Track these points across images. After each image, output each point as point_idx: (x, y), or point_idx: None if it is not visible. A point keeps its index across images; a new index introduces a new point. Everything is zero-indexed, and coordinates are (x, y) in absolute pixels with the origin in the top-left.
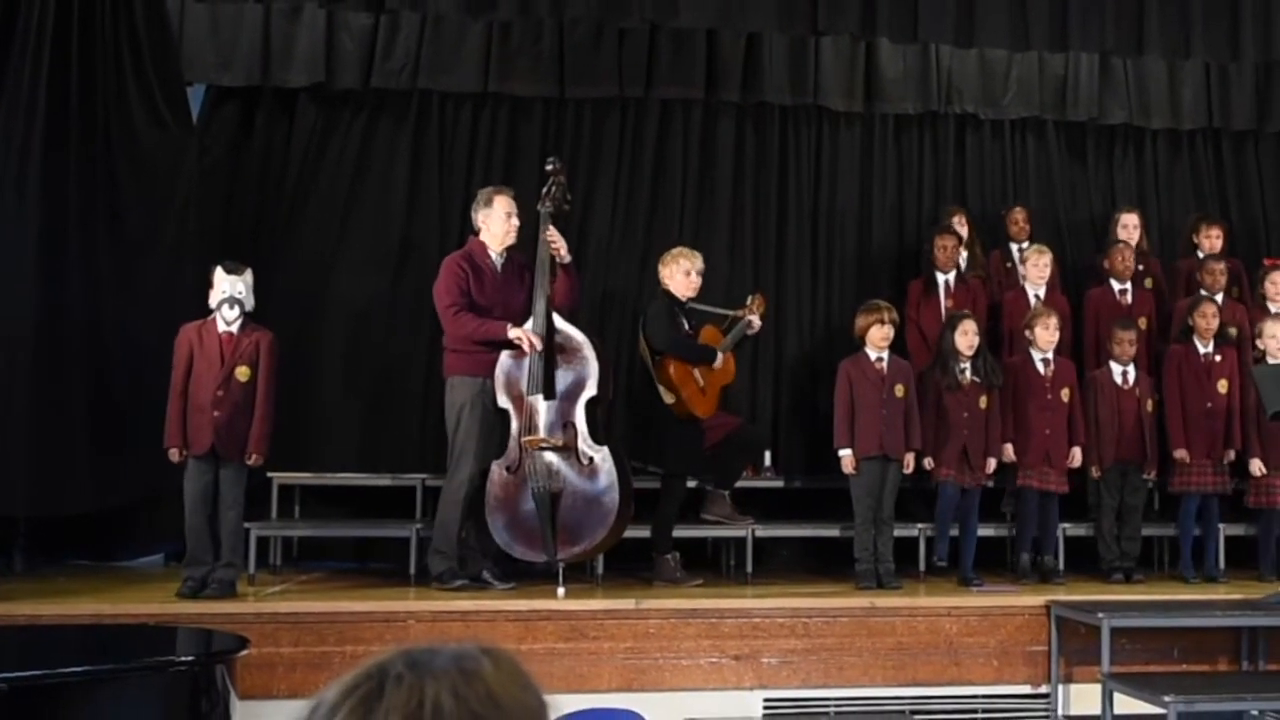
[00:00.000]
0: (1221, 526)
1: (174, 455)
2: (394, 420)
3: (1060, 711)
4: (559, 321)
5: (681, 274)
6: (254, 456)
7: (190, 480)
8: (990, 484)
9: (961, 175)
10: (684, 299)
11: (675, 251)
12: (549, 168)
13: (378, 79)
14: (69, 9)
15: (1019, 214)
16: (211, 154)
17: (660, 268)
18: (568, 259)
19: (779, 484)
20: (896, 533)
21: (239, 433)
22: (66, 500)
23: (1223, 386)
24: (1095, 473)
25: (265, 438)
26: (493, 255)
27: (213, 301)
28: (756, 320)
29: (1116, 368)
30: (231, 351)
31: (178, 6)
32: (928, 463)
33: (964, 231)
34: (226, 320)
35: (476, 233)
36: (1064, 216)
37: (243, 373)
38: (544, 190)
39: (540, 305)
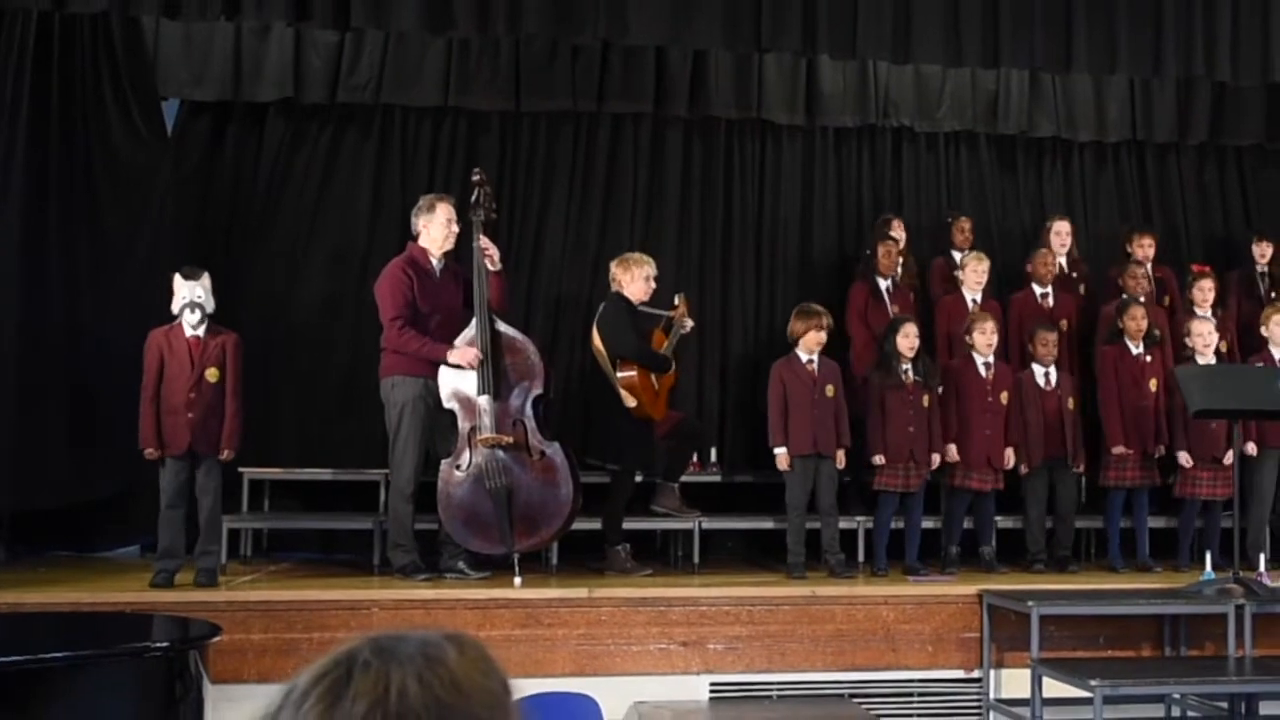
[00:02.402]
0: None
1: (150, 454)
2: (358, 418)
3: (992, 695)
4: (501, 325)
5: (642, 279)
6: (226, 452)
7: (167, 478)
8: (930, 478)
9: (898, 185)
10: (638, 303)
11: (636, 257)
12: (474, 178)
13: (343, 94)
14: (50, 28)
15: (964, 223)
16: (185, 165)
17: (617, 270)
18: (499, 266)
19: (725, 479)
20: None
21: (212, 431)
22: (46, 494)
23: (1153, 385)
24: (1024, 469)
25: (237, 434)
26: (433, 260)
27: (175, 308)
28: (689, 320)
29: (1039, 369)
30: (200, 354)
31: (153, 25)
32: (878, 459)
33: (901, 238)
34: (190, 324)
35: (415, 238)
36: (995, 225)
37: (212, 374)
38: (472, 199)
39: (481, 311)
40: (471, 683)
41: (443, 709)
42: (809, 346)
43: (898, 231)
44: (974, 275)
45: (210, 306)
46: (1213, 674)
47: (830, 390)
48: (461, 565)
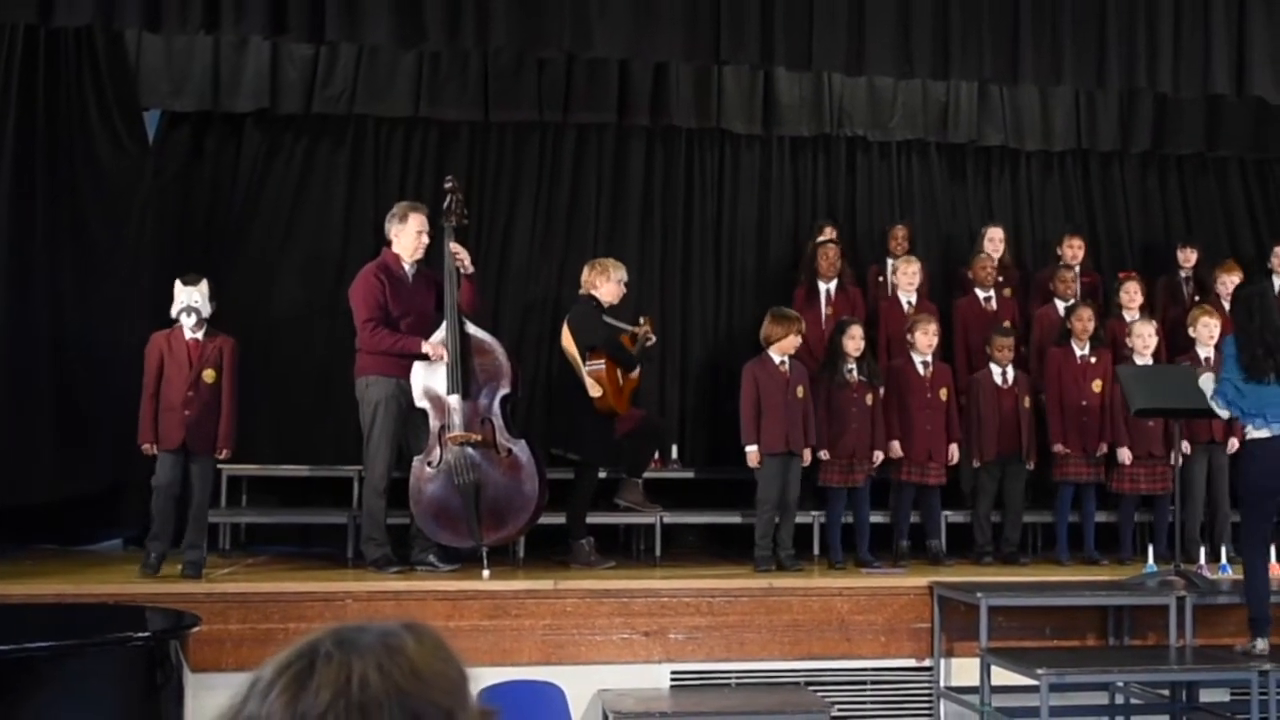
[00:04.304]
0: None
1: (147, 450)
2: (332, 416)
3: (942, 683)
4: (470, 327)
5: (615, 283)
6: (224, 451)
7: (161, 471)
8: (875, 475)
9: (852, 193)
10: (607, 305)
11: (609, 262)
12: (446, 186)
13: (318, 105)
14: (35, 40)
15: (899, 231)
16: (166, 173)
17: (590, 273)
18: (471, 270)
19: (686, 475)
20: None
21: (206, 430)
22: (32, 489)
23: (1097, 386)
24: (976, 463)
25: (232, 434)
26: (405, 266)
27: (173, 312)
28: (653, 336)
29: (996, 369)
30: (198, 356)
31: (135, 37)
32: (823, 454)
33: (835, 242)
34: (189, 328)
35: (389, 244)
36: (945, 231)
37: (209, 375)
38: (445, 206)
39: (451, 313)
40: (430, 670)
41: (403, 696)
42: (785, 349)
43: (833, 236)
44: (905, 277)
45: (207, 311)
46: (1155, 663)
47: (800, 391)
48: (432, 558)
